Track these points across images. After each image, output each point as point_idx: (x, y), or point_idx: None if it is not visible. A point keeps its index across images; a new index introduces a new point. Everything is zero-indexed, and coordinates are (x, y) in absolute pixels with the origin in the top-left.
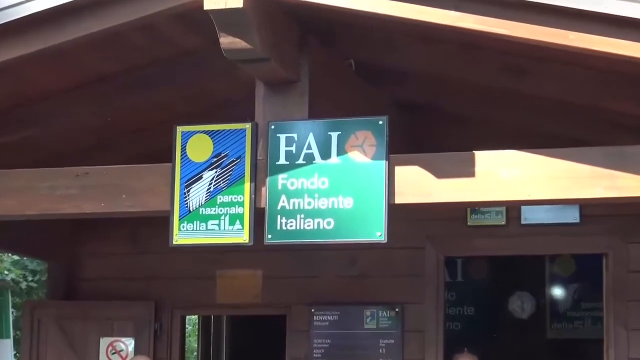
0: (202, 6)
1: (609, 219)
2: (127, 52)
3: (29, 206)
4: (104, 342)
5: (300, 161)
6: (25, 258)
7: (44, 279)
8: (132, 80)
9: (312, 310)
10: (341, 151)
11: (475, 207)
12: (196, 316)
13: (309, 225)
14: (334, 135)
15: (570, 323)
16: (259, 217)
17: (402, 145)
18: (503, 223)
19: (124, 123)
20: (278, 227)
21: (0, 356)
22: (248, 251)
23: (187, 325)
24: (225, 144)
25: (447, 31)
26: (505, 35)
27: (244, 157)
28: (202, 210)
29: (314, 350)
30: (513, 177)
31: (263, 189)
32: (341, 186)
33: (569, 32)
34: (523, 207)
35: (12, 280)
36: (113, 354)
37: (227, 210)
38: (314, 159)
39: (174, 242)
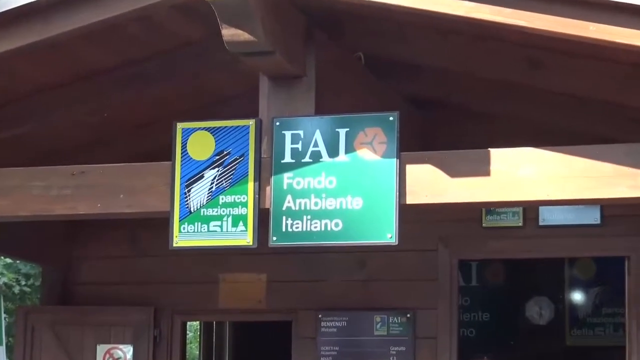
0: None
1: (632, 219)
2: (125, 45)
3: (22, 207)
4: (101, 349)
5: (307, 159)
6: (18, 261)
7: (38, 284)
8: (129, 74)
9: (319, 315)
10: (350, 149)
11: (491, 207)
12: (197, 322)
13: (315, 227)
14: (342, 132)
15: (591, 329)
16: (263, 218)
17: (414, 143)
18: (520, 224)
19: (121, 119)
20: (283, 229)
21: None
22: (252, 254)
23: (188, 332)
24: (227, 141)
25: (461, 22)
26: (522, 27)
27: (248, 155)
28: (204, 211)
29: (321, 358)
30: (531, 175)
31: (267, 189)
32: (350, 186)
33: (590, 23)
34: (541, 208)
35: (5, 284)
36: None
37: (229, 211)
38: (321, 157)
39: (174, 245)
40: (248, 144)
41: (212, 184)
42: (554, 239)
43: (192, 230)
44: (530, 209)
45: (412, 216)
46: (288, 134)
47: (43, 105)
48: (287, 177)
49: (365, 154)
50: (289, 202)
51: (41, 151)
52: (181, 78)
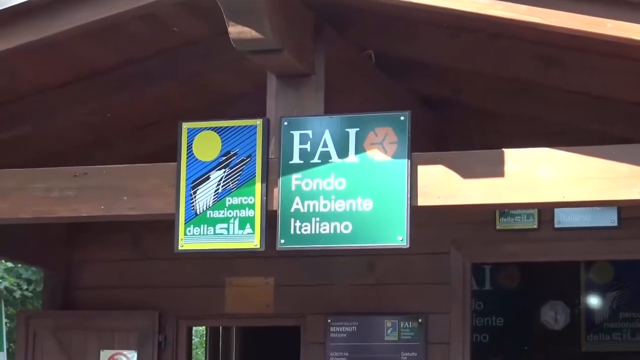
0: None
1: None
2: (127, 43)
3: (23, 209)
4: (105, 355)
5: (316, 160)
6: (19, 265)
7: (40, 289)
8: (132, 73)
9: (329, 320)
10: (360, 149)
11: (505, 209)
12: (203, 327)
13: (324, 230)
14: (352, 132)
15: (608, 335)
16: (270, 220)
17: (426, 143)
18: (535, 227)
19: (124, 119)
20: (291, 232)
21: None
22: (259, 257)
23: (193, 337)
24: (234, 141)
25: (474, 19)
26: (537, 23)
27: (255, 155)
28: (210, 213)
29: None
30: (546, 177)
31: (275, 190)
32: (360, 187)
33: (607, 20)
34: (557, 210)
35: (6, 289)
36: None
37: (236, 213)
38: (330, 158)
39: (180, 248)
40: (255, 145)
41: (218, 185)
42: (569, 241)
43: (198, 233)
44: (546, 210)
45: (423, 218)
46: (296, 134)
47: (43, 105)
48: (295, 179)
49: (375, 154)
50: (297, 204)
51: (42, 152)
52: (186, 77)
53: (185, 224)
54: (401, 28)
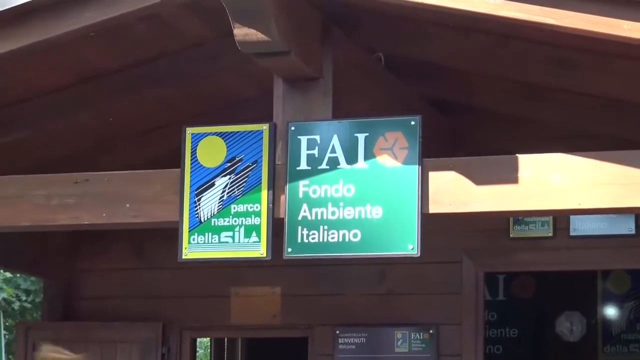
0: None
1: None
2: (130, 46)
3: (22, 216)
4: None
5: (324, 166)
6: (18, 275)
7: (39, 299)
8: (135, 76)
9: (337, 332)
10: (369, 155)
11: (519, 217)
12: (208, 338)
13: (333, 238)
14: (361, 137)
15: (625, 346)
16: (277, 228)
17: (437, 148)
18: (550, 235)
19: (127, 124)
20: (299, 240)
21: None
22: (265, 266)
23: (198, 349)
24: (240, 147)
25: (486, 21)
26: (552, 25)
27: (261, 161)
28: (215, 221)
29: None
30: (561, 183)
31: (282, 197)
32: (369, 194)
33: (624, 21)
34: (572, 217)
35: (4, 300)
36: None
37: (242, 220)
38: (338, 164)
39: (184, 257)
40: (262, 150)
41: (223, 192)
42: (585, 250)
43: (203, 242)
44: (561, 218)
45: (435, 226)
46: (304, 139)
47: (44, 108)
48: (302, 185)
49: (385, 160)
50: (304, 211)
51: (42, 158)
52: (190, 80)
53: (189, 232)
54: (411, 29)
